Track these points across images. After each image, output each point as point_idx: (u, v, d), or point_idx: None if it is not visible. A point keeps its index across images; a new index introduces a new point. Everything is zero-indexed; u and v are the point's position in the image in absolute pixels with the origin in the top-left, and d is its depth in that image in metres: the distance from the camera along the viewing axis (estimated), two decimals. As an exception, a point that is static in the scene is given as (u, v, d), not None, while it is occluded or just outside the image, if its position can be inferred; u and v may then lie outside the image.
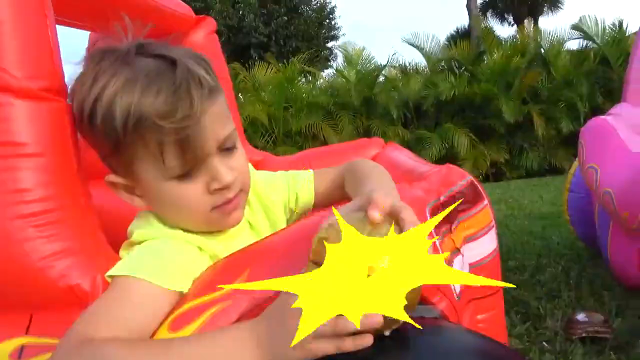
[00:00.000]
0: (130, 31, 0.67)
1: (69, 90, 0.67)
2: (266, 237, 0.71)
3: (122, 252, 0.69)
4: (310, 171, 0.90)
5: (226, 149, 0.67)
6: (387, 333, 0.50)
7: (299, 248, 0.63)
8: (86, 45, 1.48)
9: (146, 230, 0.68)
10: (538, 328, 1.63)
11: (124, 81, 0.59)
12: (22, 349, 0.61)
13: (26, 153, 0.63)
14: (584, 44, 7.30)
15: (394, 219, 0.52)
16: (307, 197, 0.88)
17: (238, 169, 0.68)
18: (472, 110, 7.16)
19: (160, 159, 0.61)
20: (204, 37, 1.36)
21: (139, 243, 0.67)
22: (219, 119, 0.65)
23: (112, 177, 0.67)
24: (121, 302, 0.59)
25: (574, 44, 7.74)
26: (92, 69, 0.62)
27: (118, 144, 0.61)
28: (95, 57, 0.63)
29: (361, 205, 0.55)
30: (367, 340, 0.47)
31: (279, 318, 0.50)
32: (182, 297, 0.62)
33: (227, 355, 0.51)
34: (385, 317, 0.46)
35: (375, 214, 0.51)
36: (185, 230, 0.70)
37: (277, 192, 0.86)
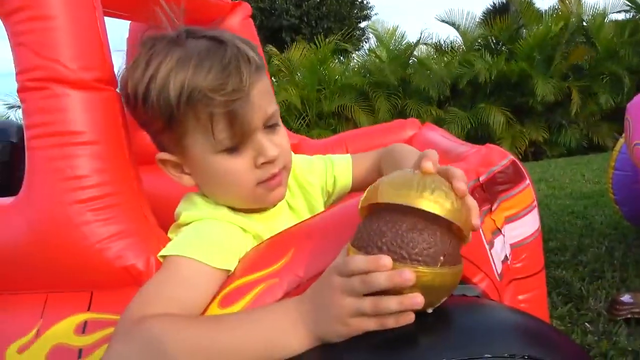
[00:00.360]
0: (174, 19, 0.69)
1: (120, 77, 0.70)
2: (309, 218, 0.73)
3: (170, 234, 0.73)
4: (349, 155, 0.91)
5: (270, 126, 0.69)
6: (429, 311, 0.51)
7: (341, 229, 0.65)
8: (126, 36, 1.52)
9: (192, 212, 0.71)
10: (580, 309, 1.61)
11: (177, 60, 0.63)
12: (85, 324, 0.66)
13: (82, 141, 0.66)
14: (632, 15, 6.91)
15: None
16: (345, 181, 0.89)
17: (281, 146, 0.70)
18: (509, 89, 6.94)
19: (210, 131, 0.63)
20: (239, 22, 1.37)
21: (186, 225, 0.70)
22: (265, 95, 0.68)
23: (163, 155, 0.70)
24: (173, 280, 0.62)
25: (619, 16, 7.32)
26: (145, 53, 0.65)
27: (171, 119, 0.64)
28: (147, 43, 0.67)
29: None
30: (410, 318, 0.48)
31: (322, 296, 0.52)
32: (230, 276, 0.65)
33: (274, 331, 0.53)
34: (427, 297, 0.47)
35: (429, 164, 0.51)
36: (229, 208, 0.72)
37: (315, 174, 0.88)
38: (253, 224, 0.72)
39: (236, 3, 1.36)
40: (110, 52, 0.72)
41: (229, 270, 0.65)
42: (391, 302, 0.47)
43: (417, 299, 0.47)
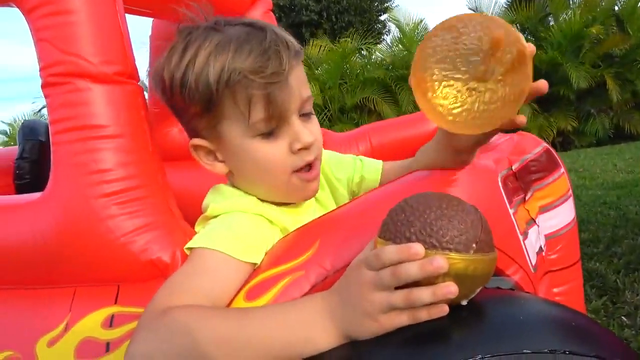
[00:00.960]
0: (203, 12, 0.69)
1: (155, 66, 0.69)
2: (335, 209, 0.71)
3: (197, 227, 0.72)
4: (380, 161, 0.88)
5: (305, 114, 0.69)
6: (464, 303, 0.49)
7: (368, 218, 0.63)
8: (149, 34, 1.53)
9: (220, 204, 0.70)
10: (616, 302, 1.56)
11: (216, 44, 0.63)
12: (112, 317, 0.66)
13: (106, 135, 0.66)
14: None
15: None
16: (372, 183, 0.86)
17: (315, 134, 0.69)
18: (536, 78, 6.75)
19: (247, 115, 0.63)
20: (260, 15, 1.36)
21: (214, 217, 0.69)
22: (303, 81, 0.68)
23: (197, 141, 0.69)
24: (200, 272, 0.61)
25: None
26: (182, 40, 0.65)
27: (209, 103, 0.63)
28: (184, 32, 0.67)
29: None
30: (443, 310, 0.46)
31: (350, 291, 0.50)
32: (256, 269, 0.64)
33: (301, 326, 0.52)
34: (460, 287, 0.45)
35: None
36: (260, 200, 0.71)
37: (343, 171, 0.86)
38: (281, 217, 0.71)
39: (257, -4, 1.35)
40: (131, 46, 0.72)
41: (255, 264, 0.64)
42: (424, 293, 0.45)
43: (450, 288, 0.44)
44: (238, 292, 0.62)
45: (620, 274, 1.74)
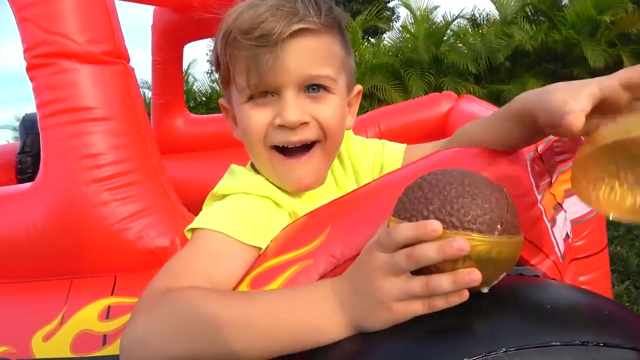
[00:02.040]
0: None
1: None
2: (346, 194, 0.66)
3: (205, 206, 0.68)
4: (404, 145, 0.82)
5: (310, 91, 0.63)
6: (484, 290, 0.44)
7: (382, 203, 0.58)
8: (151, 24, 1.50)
9: (227, 183, 0.67)
10: (639, 287, 1.50)
11: (244, 6, 0.61)
12: (109, 309, 0.63)
13: (95, 117, 0.63)
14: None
15: None
16: (393, 169, 0.81)
17: (318, 118, 0.63)
18: (550, 60, 6.63)
19: (233, 76, 0.62)
20: None
21: (222, 196, 0.66)
22: (312, 56, 0.62)
23: (222, 100, 0.71)
24: (201, 254, 0.58)
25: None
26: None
27: (219, 62, 0.64)
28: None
29: None
30: (463, 296, 0.41)
31: (361, 277, 0.46)
32: (261, 255, 0.60)
33: (309, 313, 0.48)
34: (483, 272, 0.40)
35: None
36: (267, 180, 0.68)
37: (368, 158, 0.81)
38: (290, 201, 0.67)
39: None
40: (119, 25, 0.68)
41: (259, 248, 0.60)
42: (443, 280, 0.41)
43: (473, 275, 0.40)
44: (242, 279, 0.58)
45: (642, 258, 1.68)
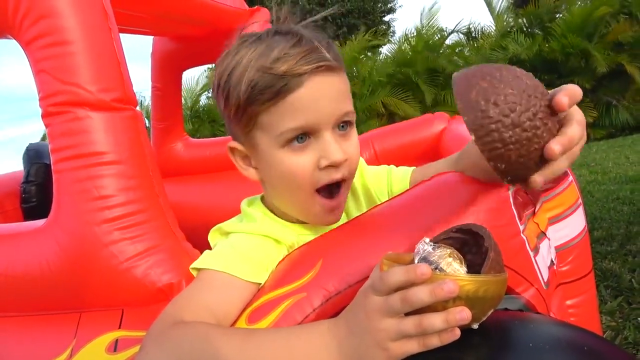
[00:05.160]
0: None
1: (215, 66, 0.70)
2: (340, 226, 0.70)
3: (211, 236, 0.72)
4: (410, 169, 0.84)
5: (341, 129, 0.66)
6: (475, 326, 0.47)
7: (372, 237, 0.62)
8: (150, 51, 1.54)
9: (234, 223, 0.71)
10: (632, 303, 1.52)
11: (259, 53, 0.62)
12: (116, 342, 0.66)
13: (106, 161, 0.67)
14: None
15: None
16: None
17: (349, 155, 0.66)
18: (545, 71, 6.67)
19: (263, 123, 0.63)
20: (259, 27, 1.36)
21: (226, 233, 0.70)
22: (338, 93, 0.65)
23: (234, 143, 0.69)
24: (206, 291, 0.63)
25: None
26: (237, 46, 0.66)
27: (243, 109, 0.64)
28: (241, 38, 0.67)
29: None
30: (455, 334, 0.45)
31: (358, 319, 0.49)
32: (260, 289, 0.65)
33: (306, 357, 0.51)
34: (472, 310, 0.44)
35: (564, 99, 0.48)
36: (282, 218, 0.71)
37: (380, 186, 0.83)
38: (289, 236, 0.71)
39: (254, 9, 1.35)
40: (128, 72, 0.72)
41: (259, 284, 0.65)
42: (436, 320, 0.44)
43: (463, 314, 0.43)
44: (241, 313, 0.62)
45: (635, 273, 1.70)
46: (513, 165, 0.48)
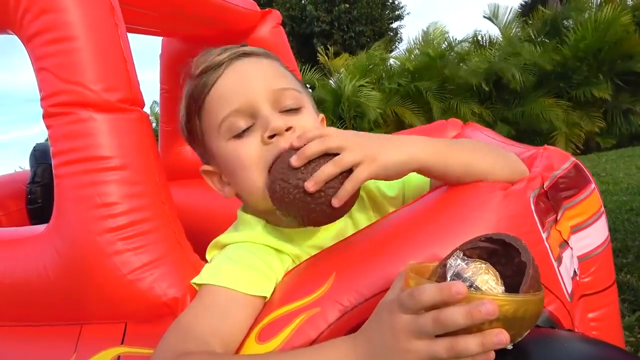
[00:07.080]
0: None
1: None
2: (351, 235, 0.66)
3: (208, 251, 0.69)
4: None
5: (287, 110, 0.65)
6: (509, 347, 0.43)
7: (388, 246, 0.59)
8: (159, 52, 1.51)
9: (231, 234, 0.69)
10: (651, 318, 1.47)
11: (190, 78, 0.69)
12: (118, 359, 0.62)
13: (110, 167, 0.63)
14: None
15: None
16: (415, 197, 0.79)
17: (294, 124, 0.63)
18: (559, 79, 6.64)
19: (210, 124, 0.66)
20: (269, 30, 1.33)
21: (223, 245, 0.67)
22: (266, 72, 0.67)
23: (204, 167, 0.70)
24: (209, 311, 0.59)
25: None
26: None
27: (189, 126, 0.70)
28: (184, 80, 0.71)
29: None
30: (489, 357, 0.41)
31: (383, 339, 0.45)
32: (267, 304, 0.61)
33: None
34: (509, 331, 0.40)
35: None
36: (266, 226, 0.68)
37: (393, 188, 0.77)
38: (290, 247, 0.67)
39: (266, 11, 1.32)
40: (135, 71, 0.69)
41: (264, 297, 0.61)
42: (471, 343, 0.40)
43: (501, 337, 0.39)
44: (250, 331, 0.58)
45: (653, 286, 1.65)
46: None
